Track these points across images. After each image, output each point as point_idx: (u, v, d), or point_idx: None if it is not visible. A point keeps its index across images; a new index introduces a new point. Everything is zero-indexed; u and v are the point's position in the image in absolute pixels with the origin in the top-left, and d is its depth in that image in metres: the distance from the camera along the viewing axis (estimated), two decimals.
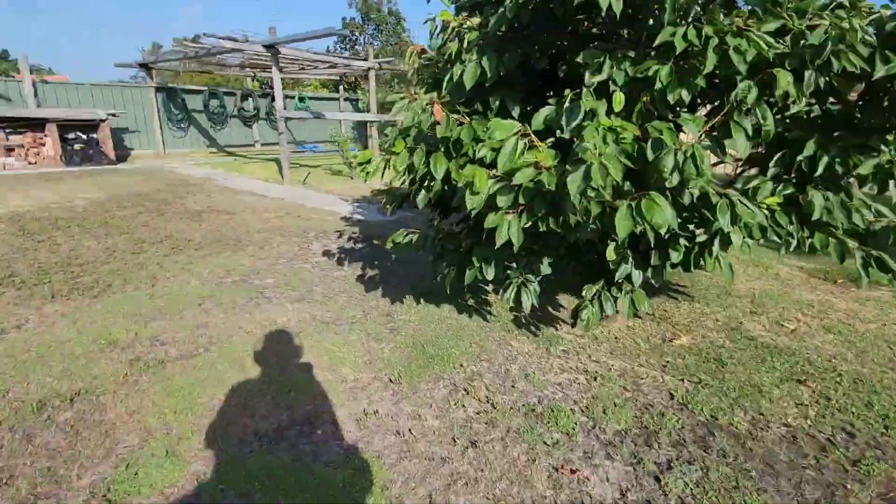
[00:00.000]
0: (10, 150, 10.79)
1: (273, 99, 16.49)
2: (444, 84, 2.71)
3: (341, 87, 18.23)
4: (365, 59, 10.29)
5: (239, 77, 18.44)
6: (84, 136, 11.93)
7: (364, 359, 3.00)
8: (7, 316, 3.41)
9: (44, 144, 11.27)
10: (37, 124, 11.09)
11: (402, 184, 3.17)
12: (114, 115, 12.21)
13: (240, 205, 7.25)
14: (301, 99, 16.80)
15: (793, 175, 2.53)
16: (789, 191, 2.48)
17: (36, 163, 11.11)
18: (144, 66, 13.37)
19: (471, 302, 3.87)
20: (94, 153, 11.74)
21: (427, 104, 2.71)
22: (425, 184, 2.88)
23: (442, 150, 2.72)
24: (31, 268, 4.37)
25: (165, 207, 6.87)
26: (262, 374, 2.78)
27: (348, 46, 22.85)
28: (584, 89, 2.25)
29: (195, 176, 10.22)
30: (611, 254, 2.52)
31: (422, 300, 3.89)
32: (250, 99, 16.00)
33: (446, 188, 2.76)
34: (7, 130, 10.89)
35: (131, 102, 13.61)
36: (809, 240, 2.56)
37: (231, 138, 15.94)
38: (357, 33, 23.77)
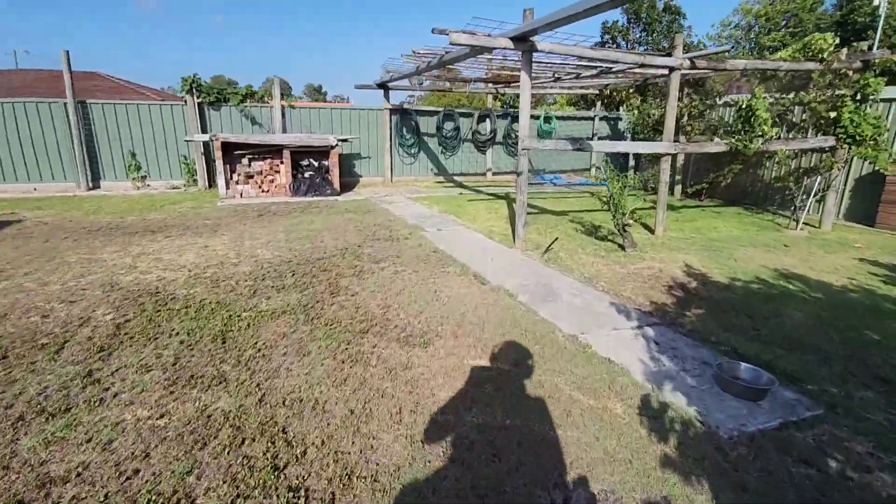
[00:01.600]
0: (249, 177, 10.46)
1: (512, 119, 13.87)
2: None
3: (598, 104, 14.39)
4: (668, 55, 6.25)
5: (481, 95, 16.53)
6: (316, 164, 11.09)
7: None
8: None
9: (279, 172, 10.73)
10: (276, 151, 10.60)
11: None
12: (345, 140, 11.11)
13: (436, 308, 4.13)
14: (546, 119, 13.65)
15: None
16: None
17: (269, 191, 10.60)
18: (382, 87, 12.15)
19: None
20: (320, 182, 10.75)
21: None
22: None
23: None
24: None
25: (325, 302, 4.21)
26: None
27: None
28: None
29: (406, 221, 7.85)
30: None
31: None
32: (487, 120, 13.62)
33: None
34: (251, 156, 10.64)
35: (366, 126, 12.60)
36: None
37: (461, 165, 13.83)
38: (620, 38, 19.61)
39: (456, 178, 13.74)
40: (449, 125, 13.28)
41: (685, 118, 10.77)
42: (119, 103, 10.71)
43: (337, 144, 10.70)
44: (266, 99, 11.51)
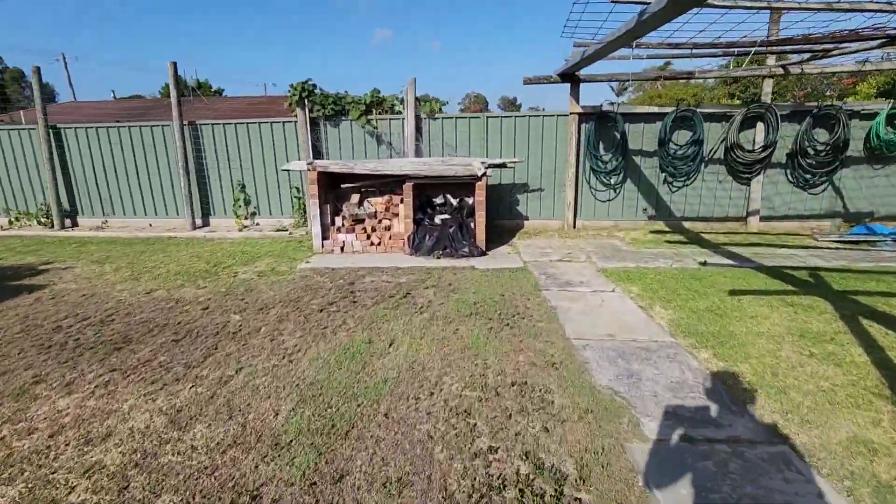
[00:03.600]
0: (357, 221, 7.11)
1: (814, 121, 7.52)
2: None
3: None
4: None
5: (715, 93, 10.53)
6: (454, 203, 7.22)
7: None
8: None
9: (397, 215, 7.16)
10: (398, 183, 7.06)
11: None
12: (500, 165, 6.94)
13: None
14: (893, 118, 7.18)
15: None
16: None
17: (380, 243, 7.07)
18: (568, 78, 7.59)
19: None
20: (456, 232, 6.76)
21: None
22: None
23: None
24: None
25: None
26: None
27: None
28: None
29: (587, 373, 3.22)
30: None
31: None
32: (759, 124, 7.81)
33: None
34: (365, 191, 7.31)
35: (539, 143, 8.20)
36: None
37: (696, 203, 8.26)
38: None
39: (686, 223, 8.27)
40: (683, 135, 7.95)
41: None
42: (228, 123, 8.59)
43: (484, 174, 6.61)
44: (397, 109, 8.11)
